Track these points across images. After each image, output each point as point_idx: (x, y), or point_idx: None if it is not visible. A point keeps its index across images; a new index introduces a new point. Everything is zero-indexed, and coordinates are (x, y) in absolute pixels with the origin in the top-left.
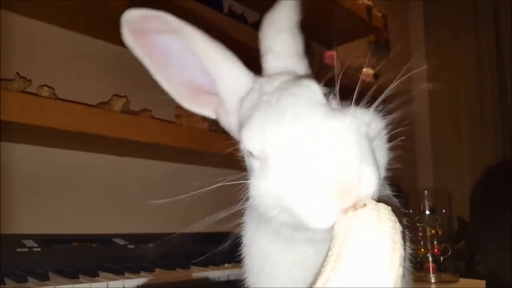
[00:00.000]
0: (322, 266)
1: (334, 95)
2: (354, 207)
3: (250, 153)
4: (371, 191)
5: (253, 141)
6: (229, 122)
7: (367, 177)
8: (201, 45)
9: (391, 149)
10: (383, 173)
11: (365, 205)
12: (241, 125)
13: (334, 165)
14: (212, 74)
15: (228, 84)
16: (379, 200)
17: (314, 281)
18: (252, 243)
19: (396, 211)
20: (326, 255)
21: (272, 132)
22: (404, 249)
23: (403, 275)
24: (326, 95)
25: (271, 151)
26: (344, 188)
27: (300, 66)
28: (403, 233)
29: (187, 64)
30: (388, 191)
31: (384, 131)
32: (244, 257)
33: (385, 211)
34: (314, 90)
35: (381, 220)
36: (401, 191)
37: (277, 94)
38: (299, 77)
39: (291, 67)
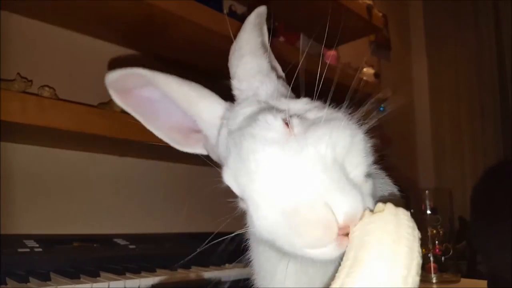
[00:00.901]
0: (336, 270)
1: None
2: (371, 210)
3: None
4: (351, 213)
5: (233, 187)
6: (217, 154)
7: (339, 204)
8: (175, 90)
9: (371, 146)
10: (367, 179)
11: (384, 209)
12: (222, 163)
13: (303, 207)
14: (192, 115)
15: (206, 120)
16: (389, 200)
17: (329, 284)
18: (257, 244)
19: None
20: (341, 259)
21: (242, 182)
22: (422, 256)
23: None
24: (287, 119)
25: (247, 199)
26: (319, 224)
27: (267, 83)
28: (421, 239)
29: (171, 110)
30: (391, 187)
31: (358, 137)
32: (250, 259)
33: (404, 216)
34: (269, 126)
35: (399, 226)
36: (403, 191)
37: (239, 134)
38: (260, 109)
39: (256, 87)
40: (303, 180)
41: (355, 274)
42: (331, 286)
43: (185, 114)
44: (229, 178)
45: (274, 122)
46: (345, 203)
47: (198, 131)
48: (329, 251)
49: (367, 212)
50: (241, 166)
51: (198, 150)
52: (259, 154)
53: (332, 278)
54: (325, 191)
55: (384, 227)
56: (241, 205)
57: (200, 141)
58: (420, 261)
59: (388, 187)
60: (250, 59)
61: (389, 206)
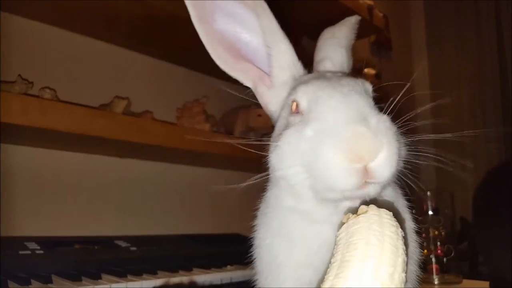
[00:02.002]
0: (325, 272)
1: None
2: (357, 213)
3: (296, 107)
4: (388, 170)
5: (306, 95)
6: (269, 94)
7: (390, 154)
8: (269, 21)
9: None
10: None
11: (367, 211)
12: (294, 88)
13: (364, 130)
14: (270, 48)
15: (283, 61)
16: (382, 204)
17: (319, 286)
18: (261, 244)
19: (398, 217)
20: (329, 262)
21: (328, 92)
22: (406, 254)
23: (407, 280)
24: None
25: (319, 105)
26: (359, 150)
27: None
28: (405, 238)
29: (236, 29)
30: (396, 192)
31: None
32: (254, 259)
33: (387, 216)
34: (368, 86)
35: (383, 225)
36: (408, 193)
37: (339, 76)
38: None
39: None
40: (378, 121)
41: (343, 274)
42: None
43: (252, 40)
44: (312, 86)
45: (370, 86)
46: (392, 158)
47: (250, 62)
48: (348, 175)
49: (351, 214)
50: (332, 85)
51: (242, 79)
52: (355, 87)
53: (322, 280)
54: (390, 141)
55: (369, 227)
56: (292, 120)
57: (249, 72)
58: (405, 259)
59: (394, 190)
60: (346, 53)
61: (372, 207)
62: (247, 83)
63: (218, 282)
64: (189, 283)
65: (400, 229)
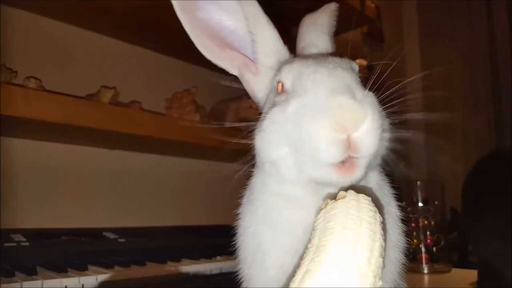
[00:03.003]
0: (302, 258)
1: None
2: (335, 198)
3: (281, 87)
4: (372, 142)
5: (290, 74)
6: (256, 81)
7: (374, 126)
8: (251, 6)
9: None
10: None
11: (345, 196)
12: (278, 69)
13: (349, 100)
14: (254, 35)
15: (268, 47)
16: (361, 190)
17: (294, 273)
18: (246, 232)
19: (377, 202)
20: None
21: (312, 68)
22: (384, 239)
23: (385, 266)
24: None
25: (303, 81)
26: (348, 120)
27: None
28: (383, 223)
29: (220, 16)
30: (382, 178)
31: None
32: (237, 248)
33: (365, 201)
34: (355, 65)
35: (360, 210)
36: (395, 182)
37: (325, 56)
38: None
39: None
40: (364, 100)
41: (319, 258)
42: (297, 273)
43: (237, 27)
44: (295, 65)
45: (356, 65)
46: (375, 133)
47: (234, 49)
48: (334, 148)
49: (330, 200)
50: (317, 63)
51: (228, 67)
52: (340, 65)
53: (298, 265)
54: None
55: (346, 212)
56: (277, 99)
57: (234, 60)
58: (383, 244)
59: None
60: (329, 40)
61: (351, 192)
62: (233, 71)
63: (208, 273)
64: (178, 274)
65: (378, 214)
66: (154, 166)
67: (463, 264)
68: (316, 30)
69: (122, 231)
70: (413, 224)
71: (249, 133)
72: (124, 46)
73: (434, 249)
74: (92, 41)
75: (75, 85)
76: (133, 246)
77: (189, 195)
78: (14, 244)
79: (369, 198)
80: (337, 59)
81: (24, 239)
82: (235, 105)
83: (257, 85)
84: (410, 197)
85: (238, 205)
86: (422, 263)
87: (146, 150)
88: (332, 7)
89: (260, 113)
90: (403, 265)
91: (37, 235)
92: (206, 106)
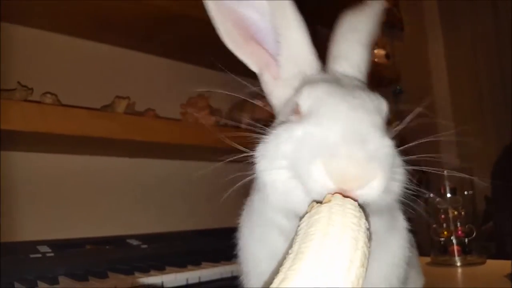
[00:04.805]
0: (280, 264)
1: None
2: (320, 201)
3: (297, 107)
4: (372, 193)
5: (310, 99)
6: (274, 85)
7: (378, 182)
8: (283, 6)
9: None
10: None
11: (330, 200)
12: (300, 87)
13: (359, 154)
14: (281, 36)
15: (293, 52)
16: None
17: (272, 280)
18: (246, 249)
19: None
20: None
21: (334, 100)
22: (369, 247)
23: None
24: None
25: (321, 109)
26: (348, 174)
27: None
28: (369, 230)
29: (254, 10)
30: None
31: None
32: (239, 258)
33: (350, 206)
34: (384, 105)
35: (344, 216)
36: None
37: (354, 86)
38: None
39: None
40: (377, 142)
41: (296, 266)
42: (275, 281)
43: (271, 28)
44: (317, 89)
45: (385, 106)
46: (379, 186)
47: (261, 46)
48: (321, 185)
49: (315, 203)
50: (341, 93)
51: (249, 62)
52: (366, 103)
53: (277, 271)
54: (383, 167)
55: (329, 217)
56: (291, 119)
57: (258, 57)
58: (366, 252)
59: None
60: (366, 51)
61: (336, 197)
62: (253, 67)
63: (229, 275)
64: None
65: (364, 220)
66: (169, 172)
67: (501, 255)
68: (352, 39)
69: (145, 237)
70: (442, 216)
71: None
72: (135, 55)
73: (466, 240)
74: (103, 53)
75: (90, 97)
76: (154, 252)
77: (210, 199)
78: (40, 255)
79: (355, 203)
80: (365, 95)
81: (50, 250)
82: (250, 106)
83: (274, 90)
84: (438, 188)
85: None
86: (454, 255)
87: (162, 156)
88: (376, 8)
89: (273, 117)
90: (400, 278)
91: (62, 246)
92: (222, 109)
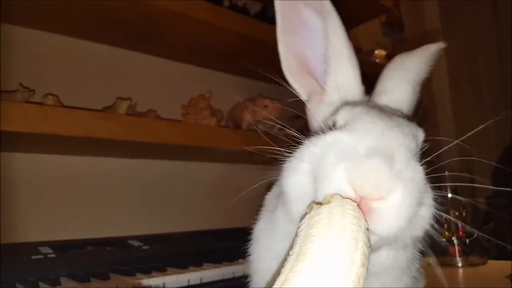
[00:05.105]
0: (282, 265)
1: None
2: (320, 202)
3: (334, 124)
4: (395, 221)
5: (347, 116)
6: (317, 110)
7: (399, 198)
8: (336, 37)
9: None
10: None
11: (330, 201)
12: (339, 107)
13: (383, 166)
14: (329, 65)
15: (339, 82)
16: None
17: (273, 281)
18: (260, 265)
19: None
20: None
21: (371, 117)
22: (369, 247)
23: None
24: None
25: (355, 123)
26: (368, 180)
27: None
28: (368, 230)
29: (312, 43)
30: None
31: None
32: (250, 269)
33: (350, 207)
34: (420, 134)
35: (344, 217)
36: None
37: (394, 113)
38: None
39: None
40: (409, 171)
41: (297, 268)
42: (276, 282)
43: (321, 58)
44: (346, 114)
45: (421, 137)
46: (401, 214)
47: (315, 77)
48: (334, 185)
49: (315, 205)
50: (376, 117)
51: (301, 92)
52: (400, 130)
53: (278, 273)
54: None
55: (329, 218)
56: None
57: (309, 87)
58: (366, 252)
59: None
60: (411, 92)
61: (336, 198)
62: (303, 96)
63: (230, 276)
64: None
65: (363, 221)
66: (171, 172)
67: (503, 255)
68: (398, 76)
69: (147, 238)
70: (443, 218)
71: (271, 138)
72: (136, 56)
73: (467, 241)
74: (105, 54)
75: (92, 99)
76: (155, 253)
77: (211, 199)
78: (41, 256)
79: (355, 204)
80: (403, 121)
81: (51, 251)
82: (251, 107)
83: (317, 114)
84: (439, 189)
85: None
86: (455, 256)
87: (164, 157)
88: (431, 49)
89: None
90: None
91: (63, 247)
92: (224, 110)
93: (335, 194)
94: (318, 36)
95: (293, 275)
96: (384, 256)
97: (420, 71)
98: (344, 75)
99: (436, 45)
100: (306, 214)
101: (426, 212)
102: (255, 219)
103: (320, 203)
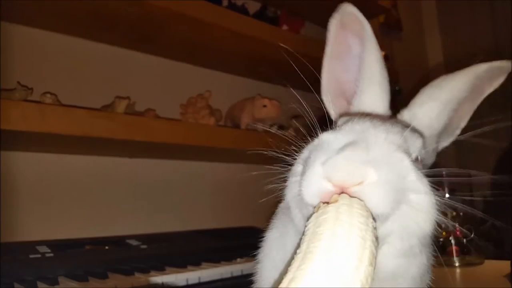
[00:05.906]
0: (289, 264)
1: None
2: (327, 202)
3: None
4: (372, 190)
5: (346, 120)
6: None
7: (379, 182)
8: (372, 62)
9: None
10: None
11: (337, 200)
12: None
13: (356, 155)
14: (360, 88)
15: (366, 104)
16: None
17: (280, 280)
18: (266, 274)
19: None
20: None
21: (362, 120)
22: (376, 245)
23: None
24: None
25: (345, 126)
26: (340, 169)
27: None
28: (375, 229)
29: (351, 67)
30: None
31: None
32: (257, 277)
33: (357, 206)
34: (418, 142)
35: (351, 215)
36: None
37: (396, 124)
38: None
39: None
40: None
41: (305, 266)
42: (284, 281)
43: (356, 80)
44: (344, 121)
45: (418, 145)
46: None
47: (347, 99)
48: (314, 192)
49: (322, 204)
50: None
51: (332, 112)
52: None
53: (285, 272)
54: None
55: (336, 217)
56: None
57: (340, 108)
58: (374, 251)
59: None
60: (437, 107)
61: (343, 196)
62: (333, 115)
63: (229, 275)
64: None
65: (371, 220)
66: (170, 172)
67: (500, 255)
68: (428, 93)
69: (145, 238)
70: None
71: (269, 136)
72: (135, 55)
73: (465, 240)
74: (103, 53)
75: (90, 97)
76: (154, 252)
77: (210, 199)
78: (39, 255)
79: (362, 203)
80: (400, 129)
81: (49, 250)
82: (249, 106)
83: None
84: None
85: (258, 207)
86: (452, 256)
87: (162, 156)
88: (481, 69)
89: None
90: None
91: (62, 246)
92: (222, 109)
93: (342, 193)
94: (356, 60)
95: (300, 273)
96: (395, 264)
97: (460, 91)
98: (373, 98)
99: (487, 65)
100: (313, 213)
101: (425, 200)
102: (267, 226)
103: (327, 203)
